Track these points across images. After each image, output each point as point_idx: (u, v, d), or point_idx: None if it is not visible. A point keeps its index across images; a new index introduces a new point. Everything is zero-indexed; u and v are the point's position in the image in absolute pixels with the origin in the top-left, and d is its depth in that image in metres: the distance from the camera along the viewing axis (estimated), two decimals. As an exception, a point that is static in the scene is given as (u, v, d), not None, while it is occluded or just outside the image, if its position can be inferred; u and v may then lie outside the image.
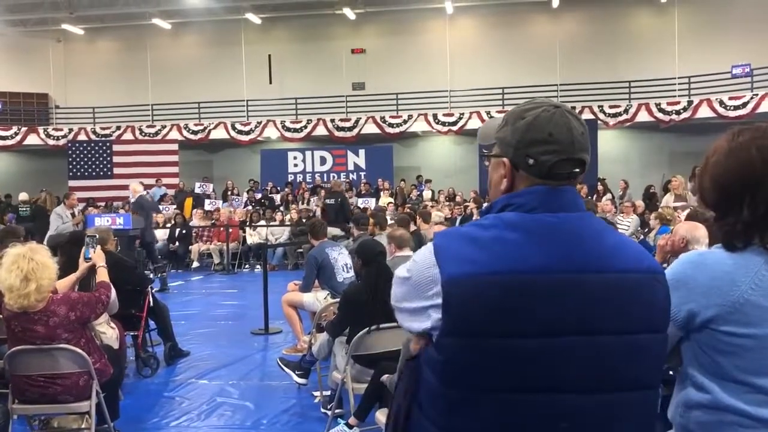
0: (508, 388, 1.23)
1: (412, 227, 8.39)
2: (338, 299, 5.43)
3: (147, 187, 18.72)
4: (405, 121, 20.18)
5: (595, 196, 14.83)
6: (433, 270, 1.26)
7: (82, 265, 4.29)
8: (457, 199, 16.98)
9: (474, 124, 19.60)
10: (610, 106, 19.00)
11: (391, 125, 20.24)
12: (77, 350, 3.77)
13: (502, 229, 1.29)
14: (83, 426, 4.11)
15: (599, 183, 16.14)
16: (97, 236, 4.46)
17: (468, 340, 1.23)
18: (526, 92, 18.52)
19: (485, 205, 2.19)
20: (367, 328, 4.05)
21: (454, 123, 19.91)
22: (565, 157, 1.33)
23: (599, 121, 18.62)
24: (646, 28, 20.41)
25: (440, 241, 1.30)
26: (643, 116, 18.82)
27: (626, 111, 18.92)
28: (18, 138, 21.12)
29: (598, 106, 18.94)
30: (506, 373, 1.23)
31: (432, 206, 14.14)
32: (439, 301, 1.24)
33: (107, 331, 4.84)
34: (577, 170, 1.35)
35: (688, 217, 4.08)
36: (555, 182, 1.33)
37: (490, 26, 21.24)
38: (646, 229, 10.52)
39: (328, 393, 4.90)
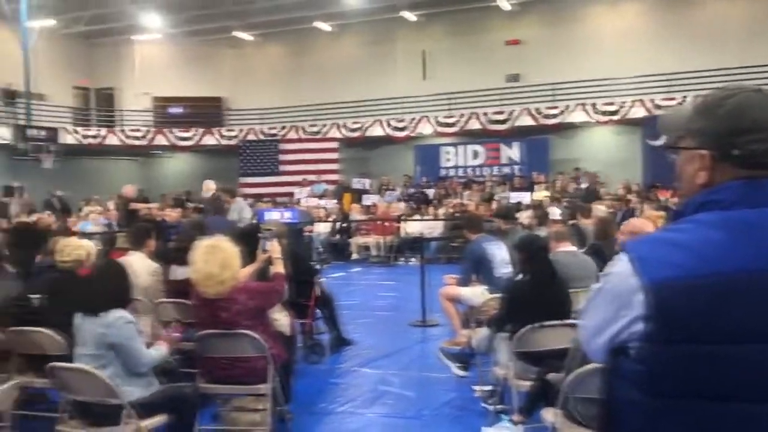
0: (715, 396, 1.17)
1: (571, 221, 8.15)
2: (497, 294, 5.41)
3: (309, 183, 19.81)
4: (562, 112, 19.57)
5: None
6: (632, 279, 1.21)
7: (261, 257, 4.62)
8: (620, 192, 16.21)
9: (637, 112, 18.57)
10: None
11: (546, 116, 19.71)
12: (256, 336, 4.04)
13: (702, 229, 1.22)
14: (260, 407, 4.41)
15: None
16: (275, 229, 4.78)
17: (675, 347, 1.18)
18: (695, 77, 17.24)
19: (670, 205, 2.08)
20: (531, 325, 4.00)
21: (615, 112, 18.98)
22: None
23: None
24: None
25: (636, 247, 1.26)
26: None
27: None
28: (196, 139, 23.06)
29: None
30: (713, 381, 1.17)
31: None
32: (641, 310, 1.20)
33: (281, 318, 5.15)
34: None
35: None
36: (761, 172, 1.25)
37: (654, 9, 19.98)
38: None
39: (489, 388, 4.90)
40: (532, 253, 4.41)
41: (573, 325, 3.98)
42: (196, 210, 12.24)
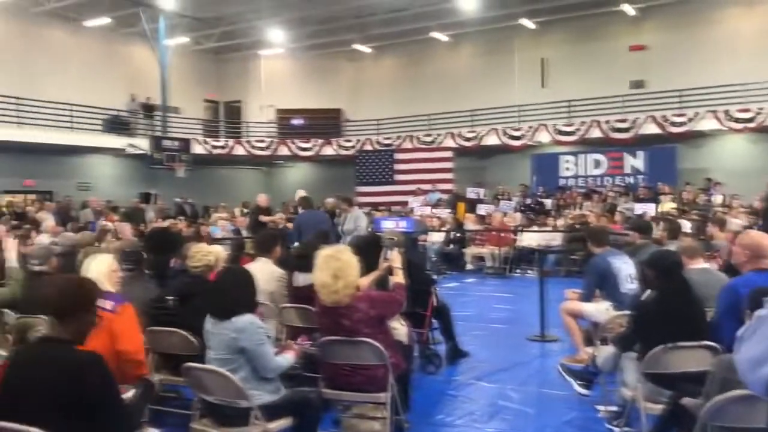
0: None
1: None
2: (622, 311, 5.18)
3: (423, 192, 19.88)
4: (690, 119, 18.52)
5: None
6: None
7: (382, 266, 4.67)
8: (756, 204, 15.05)
9: (776, 119, 17.28)
10: None
11: (673, 124, 18.72)
12: (376, 344, 4.08)
13: None
14: (379, 415, 4.45)
15: None
16: (395, 239, 4.82)
17: None
18: None
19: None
20: (663, 345, 3.78)
21: (751, 119, 17.73)
22: None
23: None
24: None
25: None
26: None
27: None
28: (316, 149, 23.79)
29: None
30: None
31: (725, 212, 12.77)
32: None
33: (398, 327, 5.19)
34: None
35: None
36: None
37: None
38: None
39: (615, 408, 4.69)
40: (666, 269, 4.17)
41: (710, 347, 3.74)
42: (288, 220, 12.80)
